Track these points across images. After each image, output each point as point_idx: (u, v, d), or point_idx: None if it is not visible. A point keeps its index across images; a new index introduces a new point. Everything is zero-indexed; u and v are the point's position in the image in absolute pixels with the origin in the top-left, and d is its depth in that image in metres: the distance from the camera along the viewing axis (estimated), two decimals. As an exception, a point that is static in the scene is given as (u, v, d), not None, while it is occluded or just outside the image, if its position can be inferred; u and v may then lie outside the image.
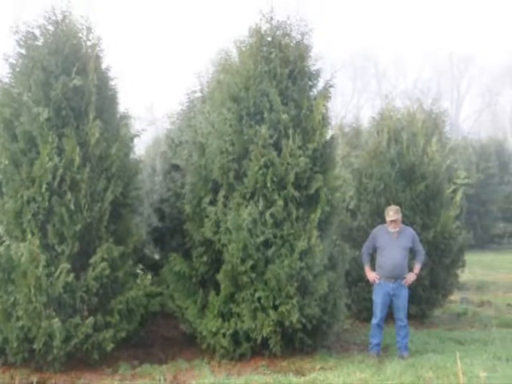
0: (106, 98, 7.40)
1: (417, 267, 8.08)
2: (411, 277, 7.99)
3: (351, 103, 56.24)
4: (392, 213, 7.98)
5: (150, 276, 8.11)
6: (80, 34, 7.34)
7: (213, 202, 7.75)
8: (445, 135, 13.78)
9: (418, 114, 10.66)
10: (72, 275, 6.82)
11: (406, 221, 9.19)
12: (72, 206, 6.88)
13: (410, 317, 8.68)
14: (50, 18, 7.28)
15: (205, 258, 7.76)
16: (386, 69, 56.85)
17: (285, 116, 7.54)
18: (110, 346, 7.05)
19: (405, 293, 7.94)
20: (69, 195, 6.89)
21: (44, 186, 6.83)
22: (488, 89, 55.47)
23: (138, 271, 8.18)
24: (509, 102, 55.90)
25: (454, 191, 13.43)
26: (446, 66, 56.59)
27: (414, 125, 10.21)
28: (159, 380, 6.85)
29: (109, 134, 7.26)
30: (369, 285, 8.31)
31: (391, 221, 7.95)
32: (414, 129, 10.16)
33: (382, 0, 75.18)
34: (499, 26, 70.62)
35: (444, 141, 13.51)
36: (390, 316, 8.11)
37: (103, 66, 7.49)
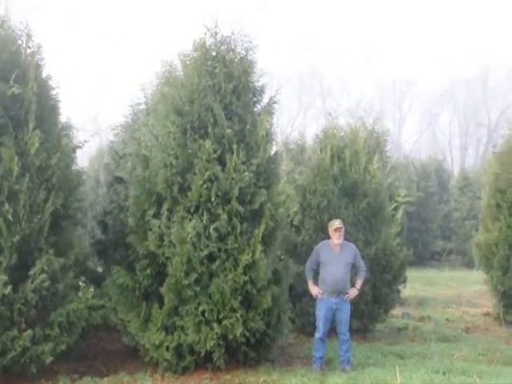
0: (46, 108, 7.26)
1: (359, 282, 8.20)
2: (353, 292, 8.09)
3: (297, 120, 56.94)
4: (337, 222, 8.11)
5: (92, 289, 7.97)
6: (19, 41, 7.19)
7: (156, 215, 7.69)
8: (386, 154, 14.10)
9: (360, 132, 10.87)
10: (9, 287, 6.63)
11: (349, 237, 9.30)
12: (10, 217, 6.69)
13: (352, 331, 8.78)
14: (-14, 23, 7.10)
15: (148, 271, 7.67)
16: (331, 87, 57.89)
17: (229, 131, 7.57)
18: (48, 359, 6.88)
19: (347, 307, 8.03)
20: (6, 206, 6.70)
21: (-19, 196, 6.63)
22: (428, 110, 57.21)
23: (80, 284, 8.02)
24: (447, 123, 57.76)
25: (396, 209, 13.77)
26: (389, 87, 58.09)
27: (357, 143, 10.41)
28: (99, 394, 6.73)
29: (49, 144, 7.10)
30: (313, 299, 8.37)
31: (336, 229, 8.02)
32: (357, 147, 10.34)
33: (330, 18, 76.70)
34: (439, 50, 73.18)
35: (386, 159, 13.82)
36: (333, 330, 8.18)
37: (44, 75, 7.35)
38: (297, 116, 57.32)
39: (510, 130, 12.37)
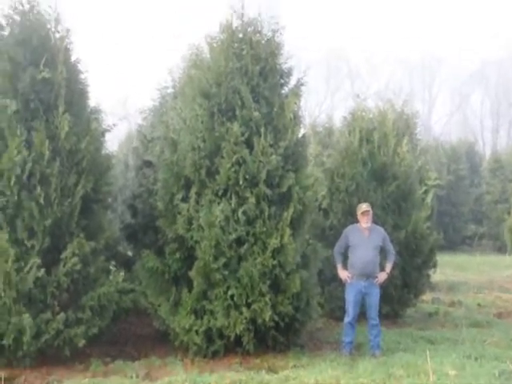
0: (75, 92, 7.29)
1: (388, 266, 8.13)
2: (383, 276, 8.03)
3: (325, 103, 56.53)
4: (365, 206, 8.07)
5: (122, 272, 8.04)
6: (48, 26, 7.21)
7: (185, 199, 7.70)
8: (416, 136, 13.90)
9: (389, 114, 10.71)
10: (43, 270, 6.72)
11: (378, 220, 9.22)
12: (42, 201, 6.77)
13: (382, 316, 8.71)
14: (16, 8, 7.13)
15: (177, 255, 7.70)
16: (359, 69, 57.28)
17: (256, 113, 7.52)
18: (81, 342, 6.96)
19: (376, 291, 7.97)
20: (38, 189, 6.78)
21: (13, 180, 6.71)
22: (458, 91, 56.27)
23: (111, 267, 8.10)
24: (478, 104, 56.76)
25: (426, 192, 13.57)
26: (418, 68, 57.21)
27: (386, 125, 10.26)
28: (131, 376, 6.80)
29: (79, 128, 7.14)
30: (342, 284, 8.33)
31: (364, 212, 7.98)
32: (386, 129, 10.20)
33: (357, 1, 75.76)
34: (470, 30, 71.76)
35: (415, 142, 13.64)
36: (362, 315, 8.12)
37: (72, 59, 7.37)
38: (325, 99, 56.91)
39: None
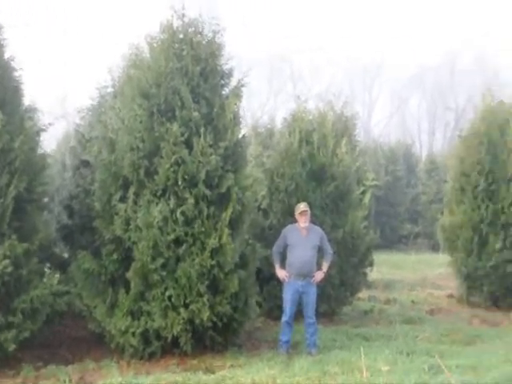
0: (8, 89, 7.12)
1: (325, 266, 8.27)
2: (320, 275, 8.16)
3: (267, 104, 56.83)
4: (303, 206, 8.19)
5: (57, 274, 7.88)
6: (-20, 21, 7.02)
7: (123, 199, 7.63)
8: (355, 137, 14.12)
9: (328, 115, 10.90)
10: (-29, 273, 6.52)
11: (316, 220, 9.36)
12: (-29, 202, 6.58)
13: (319, 314, 8.86)
14: None
15: (115, 256, 7.62)
16: (301, 71, 57.86)
17: (196, 114, 7.53)
18: (11, 347, 6.79)
19: (313, 290, 8.10)
20: (-33, 190, 6.58)
21: None
22: (397, 94, 57.62)
23: (46, 269, 7.92)
24: (416, 107, 58.29)
25: (363, 192, 13.84)
26: (359, 71, 58.25)
27: (325, 126, 10.43)
28: (64, 381, 6.69)
29: (12, 127, 6.98)
30: (280, 283, 8.42)
31: (302, 212, 8.10)
32: (325, 130, 10.37)
33: (300, 2, 76.46)
34: (407, 35, 73.52)
35: (354, 143, 13.85)
36: (300, 314, 8.24)
37: (6, 56, 7.18)
38: (267, 100, 57.21)
39: (475, 115, 12.52)
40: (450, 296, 12.72)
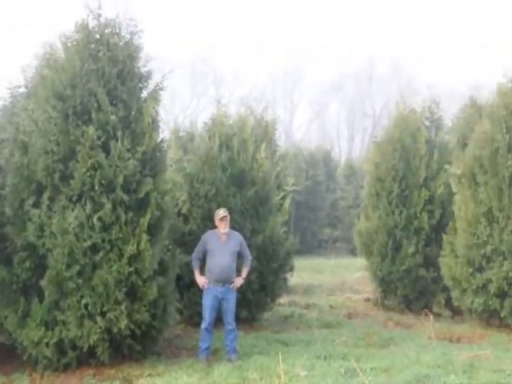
0: None
1: (244, 271, 8.28)
2: (239, 281, 8.16)
3: (190, 107, 56.59)
4: (222, 211, 8.18)
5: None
6: None
7: (36, 205, 7.37)
8: (275, 142, 14.25)
9: (248, 120, 10.93)
10: None
11: (236, 226, 9.37)
12: None
13: (240, 320, 8.85)
14: None
15: (27, 264, 7.33)
16: (224, 75, 58.02)
17: (113, 117, 7.37)
18: None
19: (233, 297, 8.09)
20: None
21: None
22: (318, 100, 58.79)
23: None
24: (336, 113, 59.66)
25: (284, 197, 13.97)
26: (280, 76, 59.03)
27: (245, 131, 10.46)
28: (-31, 398, 6.35)
29: None
30: (200, 289, 8.35)
31: (222, 218, 8.08)
32: (245, 135, 10.39)
33: (225, 5, 76.63)
34: (328, 41, 75.17)
35: (274, 148, 13.98)
36: (220, 320, 8.20)
37: None
38: (190, 103, 56.99)
39: (390, 121, 12.90)
40: (367, 300, 13.03)
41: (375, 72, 58.12)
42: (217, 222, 8.16)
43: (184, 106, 56.10)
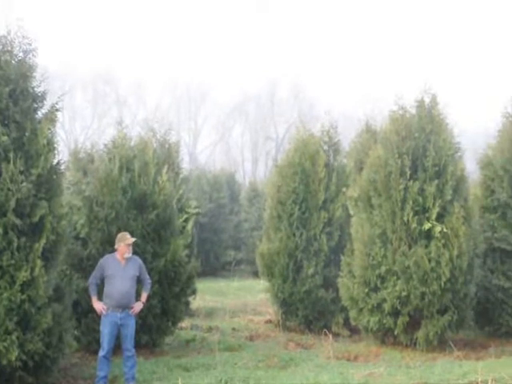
0: None
1: (144, 296, 8.16)
2: (139, 306, 8.03)
3: (91, 128, 55.37)
4: (129, 236, 8.05)
5: None
6: None
7: None
8: (178, 165, 14.20)
9: (149, 142, 10.84)
10: None
11: (138, 249, 9.21)
12: None
13: (140, 346, 8.68)
14: None
15: None
16: (127, 96, 57.32)
17: (5, 138, 7.09)
18: None
19: (132, 322, 7.93)
20: None
21: None
22: (222, 122, 59.31)
23: None
24: (240, 136, 60.37)
25: (186, 220, 13.92)
26: (184, 98, 59.08)
27: (146, 153, 10.35)
28: None
29: None
30: (99, 316, 8.12)
31: (129, 244, 7.96)
32: (146, 157, 10.28)
33: (119, 24, 75.95)
34: (232, 64, 76.19)
35: (177, 170, 13.93)
36: (119, 347, 8.00)
37: None
38: (91, 124, 55.77)
39: (290, 145, 13.19)
40: (269, 321, 13.12)
41: (277, 96, 59.49)
42: (121, 247, 7.99)
43: (85, 126, 54.88)
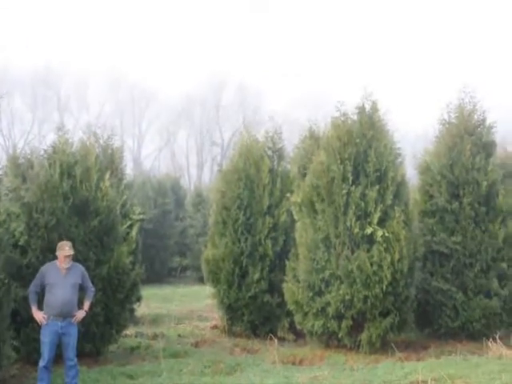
0: None
1: (86, 304, 8.04)
2: (81, 314, 7.91)
3: (31, 133, 54.07)
4: (68, 248, 7.91)
5: None
6: None
7: None
8: (122, 170, 14.00)
9: (92, 148, 10.67)
10: None
11: (80, 256, 9.04)
12: None
13: (83, 355, 8.53)
14: None
15: None
16: (68, 100, 56.27)
17: None
18: None
19: (74, 331, 7.80)
20: None
21: None
22: (166, 127, 58.92)
23: None
24: (185, 141, 60.14)
25: (130, 226, 13.73)
26: (129, 103, 58.44)
27: (88, 159, 10.18)
28: None
29: None
30: (40, 325, 7.92)
31: (67, 256, 7.78)
32: (88, 163, 10.12)
33: (59, 23, 74.58)
34: (177, 68, 75.83)
35: (121, 176, 13.73)
36: (60, 356, 7.84)
37: None
38: (31, 129, 54.47)
39: (235, 150, 13.22)
40: (214, 327, 13.09)
41: (223, 101, 59.56)
42: (60, 257, 7.84)
43: (24, 131, 53.58)
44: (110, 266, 10.08)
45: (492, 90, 37.67)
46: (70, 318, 7.72)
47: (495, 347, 10.13)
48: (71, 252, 7.87)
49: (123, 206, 13.36)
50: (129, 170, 22.97)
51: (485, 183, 11.65)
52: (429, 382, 7.79)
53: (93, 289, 8.20)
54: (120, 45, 76.45)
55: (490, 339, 10.43)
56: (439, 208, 11.81)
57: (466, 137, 11.93)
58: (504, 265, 11.57)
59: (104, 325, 10.01)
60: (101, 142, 13.30)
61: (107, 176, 10.51)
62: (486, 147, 12.08)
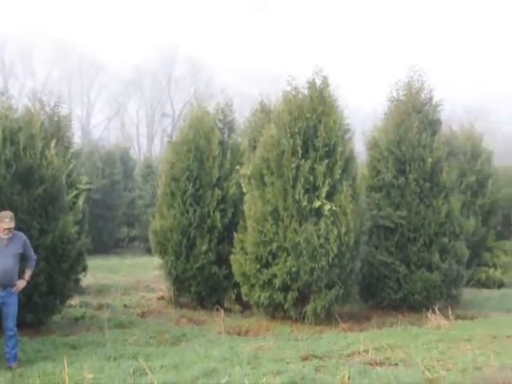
0: None
1: (28, 273, 7.89)
2: (22, 283, 7.76)
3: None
4: (8, 219, 7.67)
5: None
6: None
7: None
8: (69, 139, 13.68)
9: (36, 115, 10.36)
10: None
11: (23, 225, 8.82)
12: None
13: (25, 325, 8.39)
14: None
15: None
16: (13, 66, 54.46)
17: None
18: None
19: (15, 301, 7.65)
20: None
21: None
22: (116, 97, 57.78)
23: None
24: (135, 112, 59.21)
25: (77, 196, 13.49)
26: (77, 71, 57.00)
27: (33, 126, 9.89)
28: None
29: None
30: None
31: (7, 228, 7.58)
32: (33, 130, 9.83)
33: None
34: (130, 40, 74.23)
35: (68, 145, 13.43)
36: (0, 326, 7.67)
37: None
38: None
39: (185, 122, 13.08)
40: (161, 298, 13.05)
41: (175, 73, 58.75)
42: (1, 229, 7.61)
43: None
44: (55, 236, 9.89)
45: (440, 69, 38.30)
46: (11, 288, 7.55)
47: (434, 318, 10.47)
48: (11, 225, 7.64)
49: (69, 175, 13.10)
50: (77, 138, 22.48)
51: (430, 160, 11.93)
52: (370, 352, 7.98)
53: (35, 258, 8.02)
54: (70, 12, 74.23)
55: (430, 310, 10.77)
56: (386, 183, 12.03)
57: (414, 114, 12.16)
58: (445, 239, 11.93)
59: (47, 295, 9.84)
60: (47, 109, 12.95)
61: (53, 144, 10.27)
62: (432, 125, 12.35)
